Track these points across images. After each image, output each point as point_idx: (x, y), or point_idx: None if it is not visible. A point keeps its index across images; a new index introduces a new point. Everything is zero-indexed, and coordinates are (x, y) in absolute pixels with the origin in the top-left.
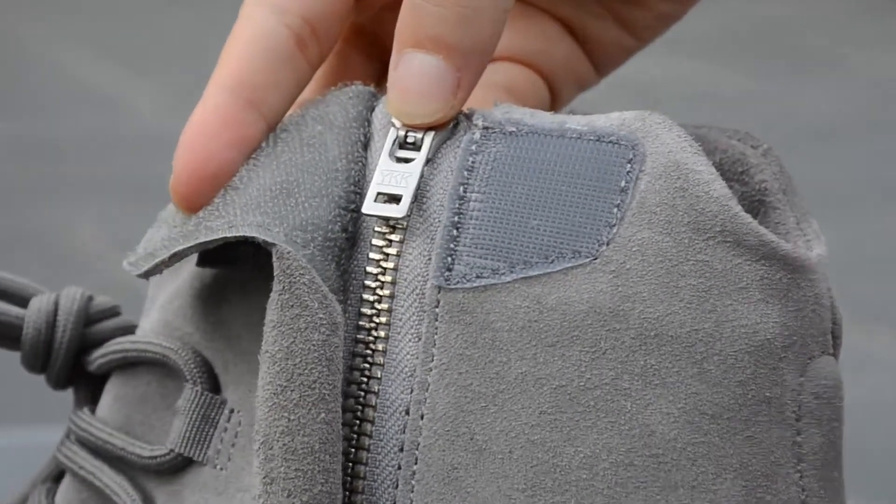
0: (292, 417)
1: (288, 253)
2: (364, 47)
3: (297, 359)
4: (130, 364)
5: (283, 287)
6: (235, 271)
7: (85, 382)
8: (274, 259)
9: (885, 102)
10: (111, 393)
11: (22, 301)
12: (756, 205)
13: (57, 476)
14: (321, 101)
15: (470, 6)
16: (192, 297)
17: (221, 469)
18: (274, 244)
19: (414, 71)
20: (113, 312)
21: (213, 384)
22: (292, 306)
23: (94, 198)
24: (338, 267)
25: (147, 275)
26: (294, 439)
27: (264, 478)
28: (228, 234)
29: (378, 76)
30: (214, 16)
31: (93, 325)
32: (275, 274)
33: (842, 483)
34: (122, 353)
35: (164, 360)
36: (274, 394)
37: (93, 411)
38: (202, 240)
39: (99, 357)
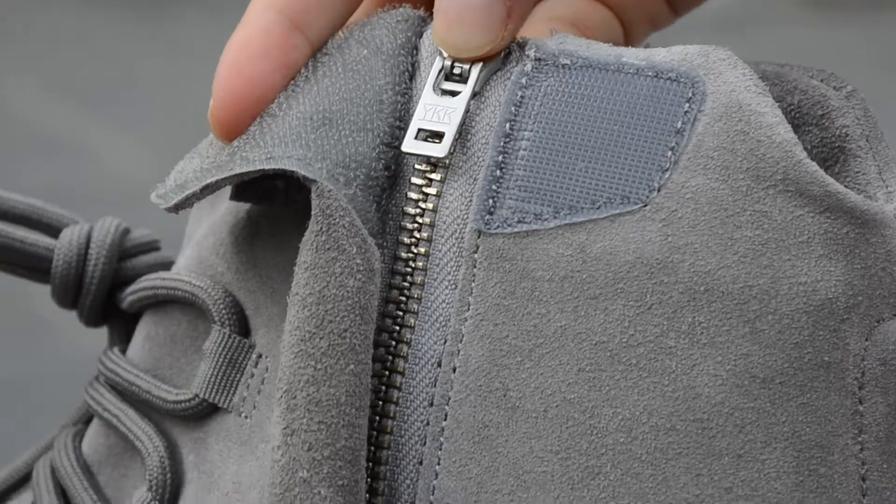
0: (319, 366)
1: (329, 191)
2: None
3: (329, 304)
4: (163, 303)
5: (321, 228)
6: (271, 207)
7: (119, 320)
8: (313, 197)
9: None
10: (142, 332)
11: (54, 231)
12: (836, 152)
13: (87, 419)
14: (366, 24)
15: None
16: (227, 233)
17: (246, 417)
18: (314, 181)
19: (461, 0)
20: (151, 247)
21: (243, 327)
22: (328, 249)
23: None
24: (378, 208)
25: (177, 208)
26: (319, 390)
27: (285, 428)
28: (266, 167)
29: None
30: (186, 47)
31: (128, 259)
32: (312, 213)
33: None
34: (152, 290)
35: (193, 300)
36: (301, 340)
37: (124, 351)
38: (237, 171)
39: (130, 294)
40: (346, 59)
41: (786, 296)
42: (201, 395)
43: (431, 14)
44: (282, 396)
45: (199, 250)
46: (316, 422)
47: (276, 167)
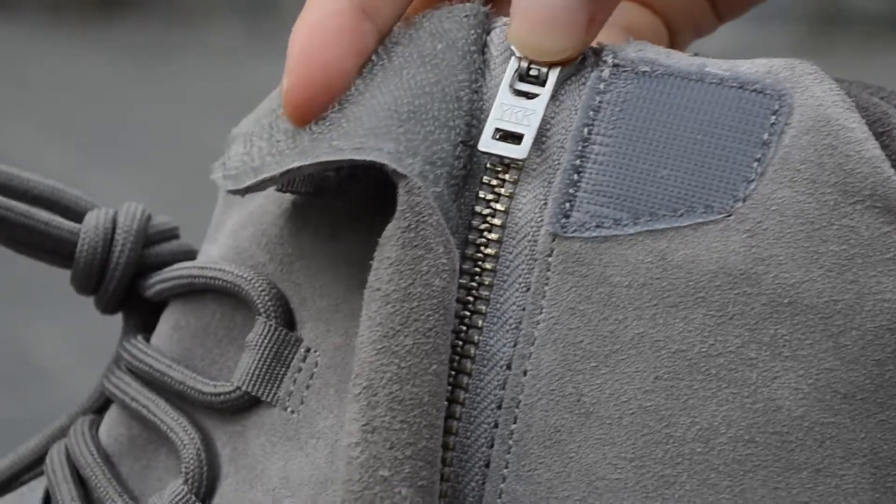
0: (403, 365)
1: (418, 189)
2: None
3: (415, 303)
4: (194, 292)
5: (409, 224)
6: (319, 198)
7: (137, 308)
8: (401, 192)
9: None
10: (170, 321)
11: (76, 216)
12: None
13: (99, 407)
14: (435, 16)
15: None
16: (269, 223)
17: (293, 412)
18: (405, 176)
19: (543, 2)
20: (172, 234)
21: (288, 319)
22: (416, 246)
23: (50, 305)
24: (458, 207)
25: (248, 190)
26: (403, 388)
27: (364, 425)
28: (356, 157)
29: None
30: (181, 93)
31: (151, 246)
32: (399, 208)
33: None
34: (188, 279)
35: (235, 291)
36: (384, 336)
37: (147, 340)
38: (324, 159)
39: (160, 282)
40: (422, 51)
41: (870, 312)
42: (244, 388)
43: (496, 10)
44: (361, 392)
45: (236, 240)
46: (399, 420)
47: (368, 159)
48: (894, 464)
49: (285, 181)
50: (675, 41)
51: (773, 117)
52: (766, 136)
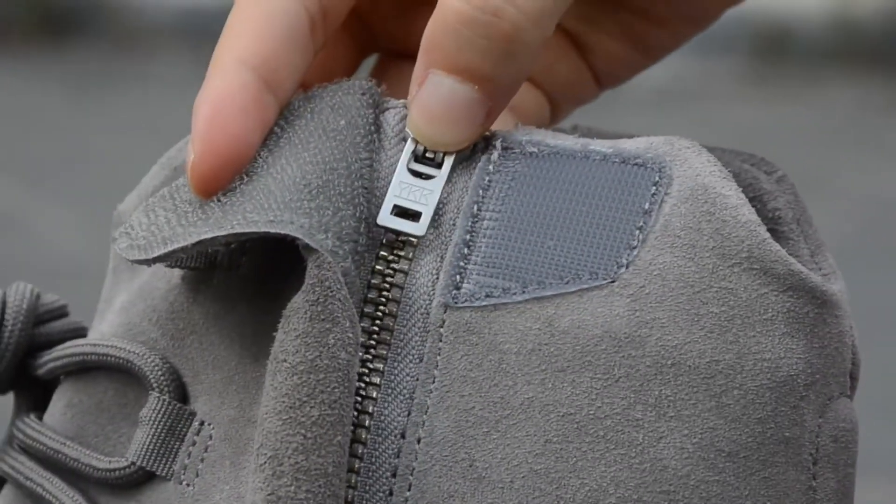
0: (309, 435)
1: (328, 264)
2: (349, 28)
3: (321, 374)
4: (86, 369)
5: (318, 298)
6: (207, 273)
7: (28, 387)
8: (310, 266)
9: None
10: (63, 400)
11: None
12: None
13: None
14: (334, 90)
15: (517, 42)
16: (159, 299)
17: (188, 485)
18: (317, 251)
19: (444, 97)
20: (61, 312)
21: (181, 394)
22: (323, 320)
23: None
24: (361, 281)
25: (156, 260)
26: (308, 458)
27: (270, 495)
28: (270, 230)
29: (360, 62)
30: (128, 124)
31: (41, 325)
32: (308, 282)
33: None
34: (80, 357)
35: (128, 367)
36: (290, 407)
37: (39, 418)
38: (239, 230)
39: (51, 360)
40: (325, 126)
41: (751, 371)
42: (138, 463)
43: (388, 87)
44: (266, 462)
45: (126, 316)
46: (304, 490)
47: (282, 232)
48: None
49: (195, 252)
50: (555, 112)
51: (654, 188)
52: (647, 206)
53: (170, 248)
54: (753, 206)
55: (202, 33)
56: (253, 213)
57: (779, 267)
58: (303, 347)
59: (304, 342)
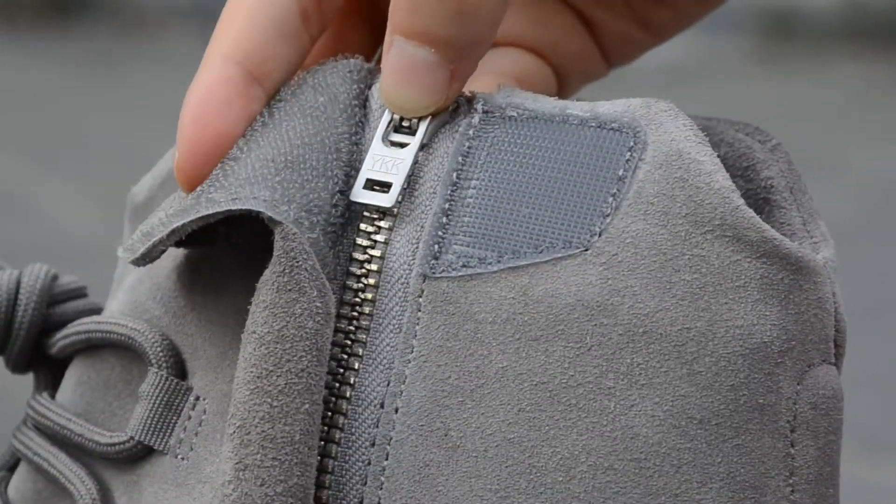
0: (275, 404)
1: (293, 234)
2: (364, 14)
3: (288, 344)
4: (95, 347)
5: (283, 269)
6: (210, 251)
7: (46, 366)
8: (276, 238)
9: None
10: (73, 377)
11: None
12: (760, 203)
13: (12, 465)
14: (319, 71)
15: (469, 2)
16: (164, 277)
17: (182, 459)
18: (279, 223)
19: (405, 62)
20: (78, 293)
21: (180, 370)
22: (290, 290)
23: None
24: (335, 254)
25: (143, 258)
26: (274, 427)
27: (237, 463)
28: (232, 207)
29: (377, 48)
30: (132, 104)
31: (56, 305)
32: (275, 254)
33: (837, 500)
34: (85, 334)
35: (129, 343)
36: (257, 377)
37: (53, 396)
38: (203, 213)
39: (61, 339)
40: (302, 104)
41: (723, 338)
42: (137, 438)
43: (375, 63)
44: (235, 432)
45: (133, 295)
46: (270, 458)
47: (243, 208)
48: (751, 487)
49: (172, 242)
50: (563, 87)
51: (629, 153)
52: (621, 172)
53: (150, 242)
54: (747, 175)
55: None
56: (215, 193)
57: (752, 234)
58: (270, 318)
59: (272, 313)
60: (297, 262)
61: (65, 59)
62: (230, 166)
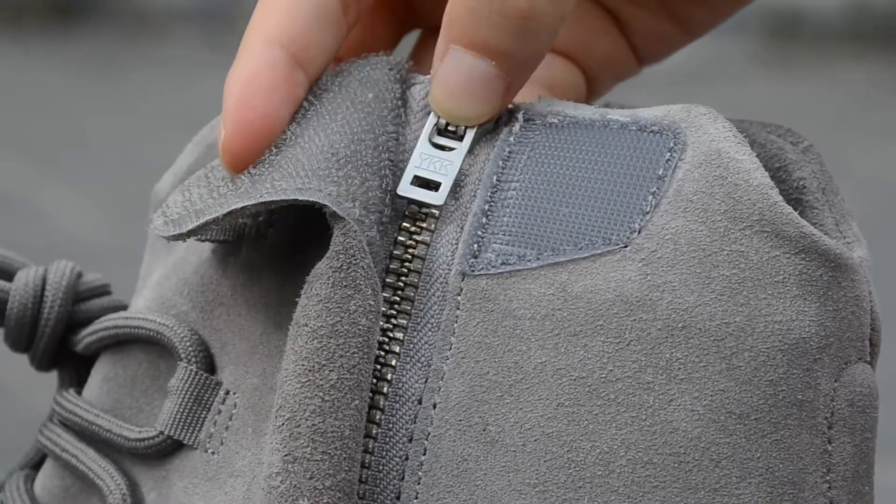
0: (326, 398)
1: (354, 232)
2: (392, 7)
3: (341, 339)
4: (121, 343)
5: (341, 265)
6: (234, 247)
7: (71, 363)
8: (337, 233)
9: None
10: (100, 374)
11: (6, 275)
12: (793, 203)
13: (37, 463)
14: (362, 66)
15: (533, 18)
16: (190, 273)
17: (213, 453)
18: (342, 219)
19: (463, 72)
20: (103, 291)
21: (209, 364)
22: (346, 286)
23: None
24: (384, 252)
25: (190, 234)
26: (325, 421)
27: (287, 455)
28: (300, 197)
29: (400, 38)
30: (134, 106)
31: (81, 302)
32: (333, 248)
33: (872, 498)
34: (113, 330)
35: (158, 339)
36: (309, 370)
37: (79, 393)
38: (268, 198)
39: (87, 335)
40: (353, 98)
41: (761, 334)
42: (166, 433)
43: (417, 65)
44: (284, 424)
45: (160, 291)
46: (320, 452)
47: (311, 199)
48: (789, 483)
49: (227, 223)
50: (593, 89)
51: (669, 154)
52: (661, 171)
53: (202, 220)
54: (779, 176)
55: (213, 17)
56: (281, 181)
57: (790, 229)
58: (324, 312)
59: (326, 307)
60: (356, 259)
61: (67, 61)
62: (290, 153)
